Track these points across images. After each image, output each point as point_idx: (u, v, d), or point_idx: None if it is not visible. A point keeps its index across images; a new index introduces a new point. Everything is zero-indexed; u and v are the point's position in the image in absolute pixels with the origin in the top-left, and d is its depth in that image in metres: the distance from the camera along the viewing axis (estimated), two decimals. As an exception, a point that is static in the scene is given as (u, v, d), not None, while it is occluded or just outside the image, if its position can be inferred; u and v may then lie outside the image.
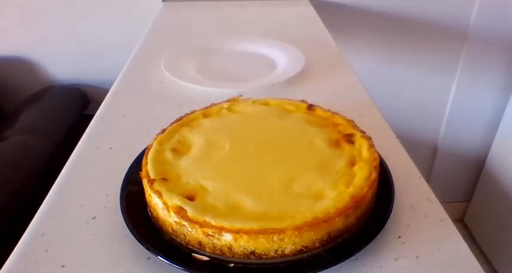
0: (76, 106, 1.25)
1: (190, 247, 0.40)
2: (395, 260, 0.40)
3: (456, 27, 1.31)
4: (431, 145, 1.56)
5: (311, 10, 1.14)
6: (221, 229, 0.38)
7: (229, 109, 0.57)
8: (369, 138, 0.49)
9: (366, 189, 0.42)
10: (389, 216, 0.43)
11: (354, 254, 0.39)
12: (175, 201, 0.41)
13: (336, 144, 0.49)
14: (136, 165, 0.49)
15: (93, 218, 0.46)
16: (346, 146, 0.48)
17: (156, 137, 0.51)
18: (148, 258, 0.41)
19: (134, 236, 0.41)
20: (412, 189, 0.49)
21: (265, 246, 0.38)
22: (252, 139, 0.51)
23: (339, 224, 0.39)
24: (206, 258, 0.39)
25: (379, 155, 0.47)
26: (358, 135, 0.49)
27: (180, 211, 0.40)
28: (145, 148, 0.50)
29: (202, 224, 0.38)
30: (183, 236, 0.40)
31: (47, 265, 0.41)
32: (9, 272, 0.41)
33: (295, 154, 0.48)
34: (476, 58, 1.36)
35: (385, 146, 0.53)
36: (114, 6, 1.24)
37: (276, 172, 0.45)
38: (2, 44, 1.29)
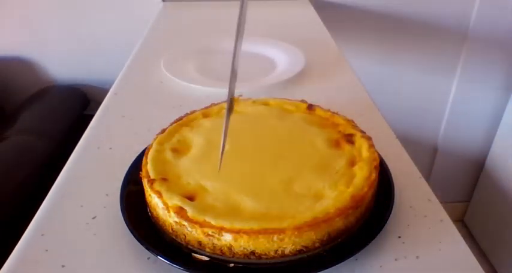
0: (76, 106, 1.25)
1: (190, 247, 0.40)
2: (396, 260, 0.40)
3: (456, 27, 1.31)
4: (431, 145, 1.56)
5: (311, 10, 1.14)
6: (221, 229, 0.38)
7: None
8: (369, 138, 0.49)
9: (366, 189, 0.42)
10: (389, 216, 0.43)
11: (354, 254, 0.39)
12: (175, 201, 0.41)
13: (336, 144, 0.49)
14: (136, 165, 0.49)
15: (93, 218, 0.46)
16: (346, 147, 0.48)
17: (156, 138, 0.51)
18: (148, 258, 0.41)
19: (134, 236, 0.41)
20: (412, 189, 0.49)
21: (265, 246, 0.38)
22: (252, 139, 0.51)
23: (339, 224, 0.39)
24: (206, 258, 0.39)
25: (379, 155, 0.47)
26: (358, 134, 0.49)
27: (180, 211, 0.40)
28: (145, 148, 0.50)
29: (202, 224, 0.38)
30: (183, 236, 0.40)
31: (47, 265, 0.41)
32: (9, 272, 0.41)
33: (295, 154, 0.48)
34: (476, 59, 1.36)
35: (385, 146, 0.53)
36: (114, 6, 1.24)
37: (276, 172, 0.45)
38: (2, 44, 1.29)
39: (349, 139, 0.49)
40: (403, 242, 0.42)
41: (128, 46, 0.95)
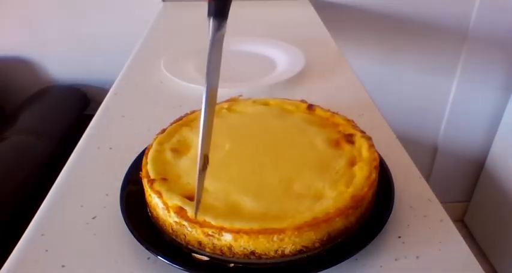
0: (76, 106, 1.25)
1: (190, 247, 0.40)
2: (396, 260, 0.40)
3: (456, 27, 1.31)
4: (431, 145, 1.56)
5: (311, 10, 1.14)
6: (221, 229, 0.38)
7: (229, 109, 0.57)
8: (369, 138, 0.49)
9: (366, 189, 0.42)
10: (389, 216, 0.43)
11: (354, 254, 0.39)
12: (175, 201, 0.41)
13: (336, 144, 0.49)
14: (136, 165, 0.49)
15: (93, 218, 0.46)
16: (346, 146, 0.48)
17: (156, 137, 0.51)
18: (148, 258, 0.41)
19: (134, 236, 0.41)
20: (412, 189, 0.49)
21: (265, 246, 0.38)
22: (252, 139, 0.51)
23: (338, 224, 0.39)
24: (206, 258, 0.39)
25: (379, 155, 0.47)
26: (358, 134, 0.49)
27: (180, 211, 0.40)
28: (145, 148, 0.50)
29: (202, 224, 0.38)
30: (183, 236, 0.40)
31: (47, 265, 0.41)
32: (9, 272, 0.41)
33: (295, 154, 0.48)
34: (476, 59, 1.36)
35: (385, 146, 0.53)
36: (114, 6, 1.24)
37: (276, 172, 0.45)
38: (2, 44, 1.29)
39: (349, 139, 0.49)
40: (403, 242, 0.42)
41: (128, 46, 0.95)
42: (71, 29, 1.27)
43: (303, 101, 0.57)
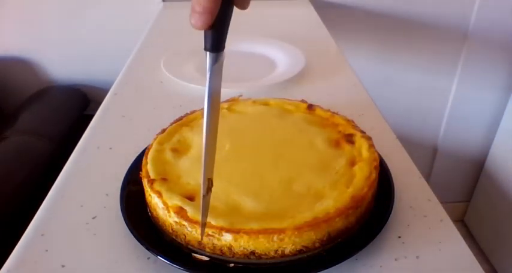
0: (76, 106, 1.25)
1: (190, 247, 0.40)
2: (395, 260, 0.40)
3: (456, 28, 1.31)
4: (431, 145, 1.56)
5: (311, 10, 1.14)
6: (221, 229, 0.38)
7: (229, 109, 0.57)
8: (369, 138, 0.49)
9: (366, 189, 0.42)
10: (389, 216, 0.43)
11: (354, 254, 0.39)
12: (175, 201, 0.41)
13: (336, 144, 0.49)
14: (136, 165, 0.49)
15: (93, 218, 0.46)
16: (346, 146, 0.48)
17: (156, 138, 0.51)
18: (148, 258, 0.41)
19: (134, 236, 0.41)
20: (412, 189, 0.49)
21: (265, 246, 0.38)
22: (252, 139, 0.51)
23: (338, 224, 0.39)
24: (206, 258, 0.39)
25: (379, 155, 0.47)
26: (358, 135, 0.49)
27: (180, 211, 0.40)
28: (145, 148, 0.50)
29: (202, 224, 0.38)
30: (183, 236, 0.40)
31: (47, 265, 0.41)
32: (9, 272, 0.41)
33: (295, 154, 0.48)
34: (477, 59, 1.36)
35: (385, 146, 0.53)
36: (114, 6, 1.24)
37: (276, 172, 0.45)
38: (2, 44, 1.29)
39: (349, 139, 0.49)
40: (403, 242, 0.42)
41: (128, 46, 0.95)
42: (71, 29, 1.27)
43: (303, 101, 0.57)
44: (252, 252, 0.38)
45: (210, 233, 0.38)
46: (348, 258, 0.39)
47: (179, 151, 0.49)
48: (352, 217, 0.40)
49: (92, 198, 0.49)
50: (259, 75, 0.78)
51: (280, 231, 0.37)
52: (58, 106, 1.22)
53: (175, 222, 0.40)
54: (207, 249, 0.39)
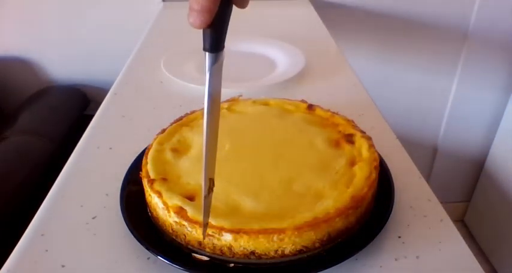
0: (76, 106, 1.25)
1: (190, 247, 0.40)
2: (396, 260, 0.40)
3: (456, 28, 1.31)
4: (431, 145, 1.56)
5: (311, 10, 1.14)
6: (221, 229, 0.38)
7: (229, 109, 0.57)
8: (369, 138, 0.49)
9: (366, 189, 0.42)
10: (389, 216, 0.43)
11: (354, 254, 0.39)
12: (175, 201, 0.41)
13: (336, 144, 0.49)
14: (136, 165, 0.49)
15: (93, 218, 0.46)
16: (346, 146, 0.48)
17: (156, 138, 0.51)
18: (148, 258, 0.41)
19: (134, 236, 0.41)
20: (412, 189, 0.49)
21: (265, 246, 0.38)
22: (252, 139, 0.51)
23: (339, 224, 0.39)
24: (206, 258, 0.39)
25: (379, 155, 0.47)
26: (358, 135, 0.49)
27: (180, 211, 0.40)
28: (145, 148, 0.50)
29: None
30: (183, 236, 0.40)
31: (47, 265, 0.41)
32: (9, 272, 0.41)
33: (295, 154, 0.48)
34: (477, 59, 1.36)
35: (385, 146, 0.53)
36: (114, 6, 1.24)
37: (276, 172, 0.45)
38: (2, 44, 1.29)
39: (349, 139, 0.49)
40: (403, 242, 0.42)
41: (128, 46, 0.95)
42: (71, 29, 1.27)
43: (303, 101, 0.57)
44: (252, 252, 0.38)
45: (210, 233, 0.38)
46: (348, 258, 0.39)
47: (179, 151, 0.49)
48: (352, 217, 0.40)
49: (92, 198, 0.49)
50: (259, 75, 0.78)
51: (280, 231, 0.37)
52: (58, 106, 1.22)
53: (175, 222, 0.40)
54: (207, 249, 0.39)
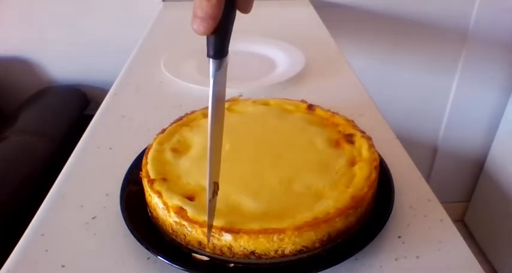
0: (76, 106, 1.25)
1: (190, 247, 0.40)
2: (396, 260, 0.40)
3: (456, 27, 1.31)
4: (431, 145, 1.56)
5: (311, 10, 1.14)
6: (221, 229, 0.38)
7: (229, 109, 0.57)
8: (369, 138, 0.49)
9: (366, 189, 0.42)
10: (389, 216, 0.43)
11: (354, 254, 0.39)
12: (175, 201, 0.41)
13: (336, 144, 0.49)
14: (136, 165, 0.49)
15: (93, 218, 0.46)
16: (346, 146, 0.48)
17: (156, 137, 0.51)
18: (148, 258, 0.41)
19: (134, 236, 0.41)
20: (412, 189, 0.49)
21: (265, 246, 0.38)
22: (252, 139, 0.51)
23: (339, 224, 0.39)
24: (206, 258, 0.39)
25: (379, 155, 0.47)
26: (358, 135, 0.49)
27: (180, 211, 0.40)
28: (145, 148, 0.50)
29: (202, 224, 0.38)
30: (183, 236, 0.40)
31: (47, 265, 0.41)
32: (9, 272, 0.41)
33: (295, 154, 0.48)
34: (476, 59, 1.36)
35: (385, 146, 0.53)
36: (114, 6, 1.24)
37: (276, 172, 0.45)
38: (2, 44, 1.29)
39: (349, 139, 0.49)
40: (403, 242, 0.42)
41: (127, 47, 0.95)
42: (71, 29, 1.27)
43: (303, 101, 0.57)
44: (252, 252, 0.38)
45: (210, 233, 0.38)
46: (348, 258, 0.39)
47: (179, 151, 0.49)
48: (352, 217, 0.40)
49: (92, 198, 0.49)
50: (259, 75, 0.78)
51: (280, 231, 0.37)
52: (58, 106, 1.22)
53: (175, 222, 0.40)
54: (207, 249, 0.39)
